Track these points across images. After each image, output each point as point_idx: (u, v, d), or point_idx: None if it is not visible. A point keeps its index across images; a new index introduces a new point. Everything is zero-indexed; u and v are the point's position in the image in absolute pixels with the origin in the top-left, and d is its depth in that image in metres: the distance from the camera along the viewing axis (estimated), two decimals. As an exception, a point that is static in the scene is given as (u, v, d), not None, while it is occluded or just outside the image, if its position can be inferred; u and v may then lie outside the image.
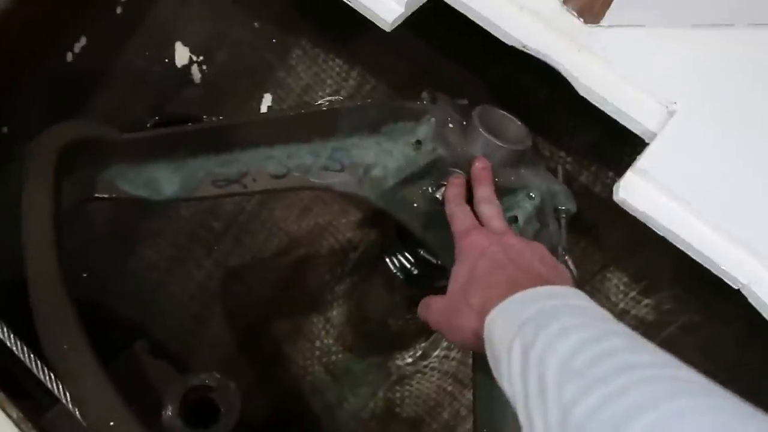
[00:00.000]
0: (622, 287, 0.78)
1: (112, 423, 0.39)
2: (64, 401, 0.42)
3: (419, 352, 0.84)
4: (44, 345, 0.44)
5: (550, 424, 0.32)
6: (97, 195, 0.58)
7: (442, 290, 0.80)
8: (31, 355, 0.43)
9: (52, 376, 0.42)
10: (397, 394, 0.84)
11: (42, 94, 0.86)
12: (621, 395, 0.31)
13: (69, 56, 0.89)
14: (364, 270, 0.85)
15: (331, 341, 0.86)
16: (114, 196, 0.59)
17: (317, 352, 0.86)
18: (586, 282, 0.80)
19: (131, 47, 0.89)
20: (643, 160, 0.57)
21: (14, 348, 0.43)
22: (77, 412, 0.41)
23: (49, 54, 0.86)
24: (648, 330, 0.76)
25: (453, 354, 0.83)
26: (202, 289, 0.88)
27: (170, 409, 0.41)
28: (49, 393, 0.42)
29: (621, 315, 0.78)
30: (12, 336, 0.43)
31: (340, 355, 0.86)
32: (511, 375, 0.37)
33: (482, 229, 0.54)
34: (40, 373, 0.42)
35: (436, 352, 0.84)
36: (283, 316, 0.87)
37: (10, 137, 0.86)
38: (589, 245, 0.81)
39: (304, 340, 0.87)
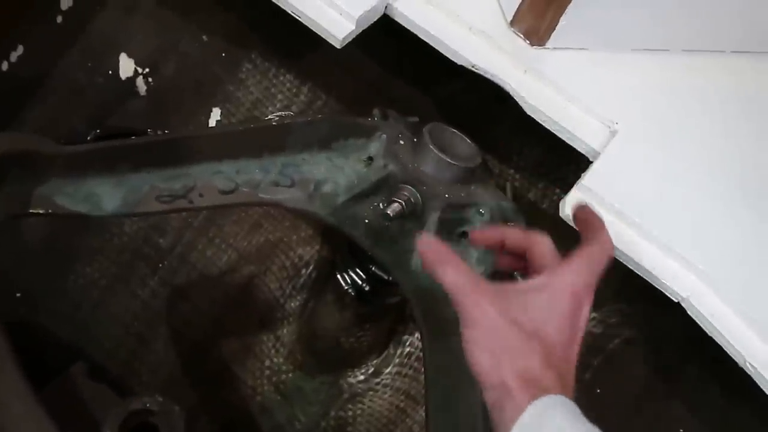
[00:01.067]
0: (568, 301, 0.80)
1: (43, 453, 0.37)
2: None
3: (371, 369, 0.83)
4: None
5: None
6: (32, 211, 0.56)
7: (393, 307, 0.80)
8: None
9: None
10: (350, 413, 0.82)
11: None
12: None
13: (4, 65, 0.85)
14: (316, 287, 0.84)
15: (281, 360, 0.85)
16: (51, 212, 0.56)
17: (267, 372, 0.84)
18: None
19: (72, 58, 0.86)
20: (587, 178, 0.58)
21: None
22: (5, 443, 0.39)
23: (-17, 62, 0.83)
24: (594, 343, 0.78)
25: (405, 371, 0.83)
26: (145, 308, 0.85)
27: (108, 435, 0.39)
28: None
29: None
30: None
31: (290, 374, 0.84)
32: None
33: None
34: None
35: (389, 369, 0.83)
36: (231, 335, 0.85)
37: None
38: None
39: (253, 360, 0.85)
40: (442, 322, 0.58)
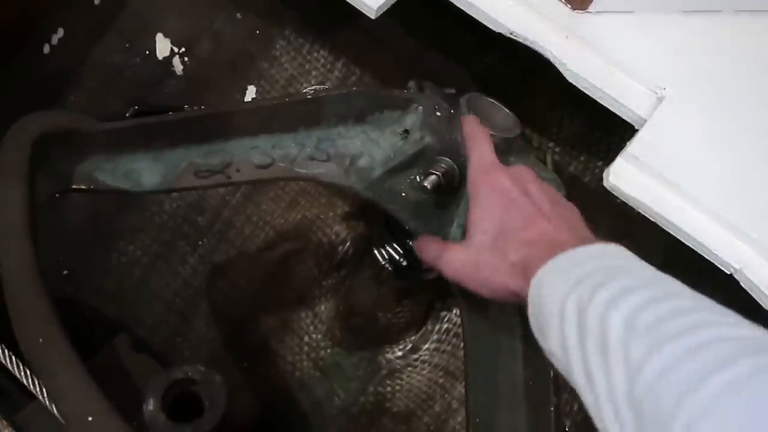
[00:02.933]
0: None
1: (90, 418, 0.38)
2: (40, 397, 0.40)
3: (409, 346, 0.83)
4: (20, 340, 0.42)
5: (614, 384, 0.31)
6: (74, 187, 0.56)
7: (431, 282, 0.80)
8: (5, 351, 0.41)
9: (28, 372, 0.41)
10: (388, 389, 0.83)
11: (18, 87, 0.84)
12: (695, 353, 0.30)
13: (46, 48, 0.87)
14: (353, 263, 0.84)
15: (319, 336, 0.85)
16: (92, 187, 0.57)
17: (305, 348, 0.85)
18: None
19: (110, 39, 0.88)
20: (633, 146, 0.56)
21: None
22: (54, 408, 0.40)
23: (27, 45, 0.84)
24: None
25: (444, 347, 0.82)
26: (186, 286, 0.86)
27: (152, 403, 0.40)
28: (24, 389, 0.41)
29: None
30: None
31: (328, 350, 0.85)
32: (564, 335, 0.36)
33: (503, 167, 0.52)
34: (15, 369, 0.40)
35: (427, 345, 0.83)
36: (270, 311, 0.86)
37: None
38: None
39: (291, 336, 0.85)
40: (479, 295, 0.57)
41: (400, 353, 0.83)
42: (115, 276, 0.86)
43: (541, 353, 0.50)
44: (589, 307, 0.35)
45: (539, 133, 0.82)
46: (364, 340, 0.84)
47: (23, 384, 0.41)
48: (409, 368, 0.82)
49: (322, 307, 0.85)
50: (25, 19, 0.83)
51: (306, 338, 0.85)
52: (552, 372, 0.50)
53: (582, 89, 0.61)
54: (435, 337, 0.83)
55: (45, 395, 0.40)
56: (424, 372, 0.82)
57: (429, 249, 0.53)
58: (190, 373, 0.40)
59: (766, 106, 0.61)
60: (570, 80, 0.61)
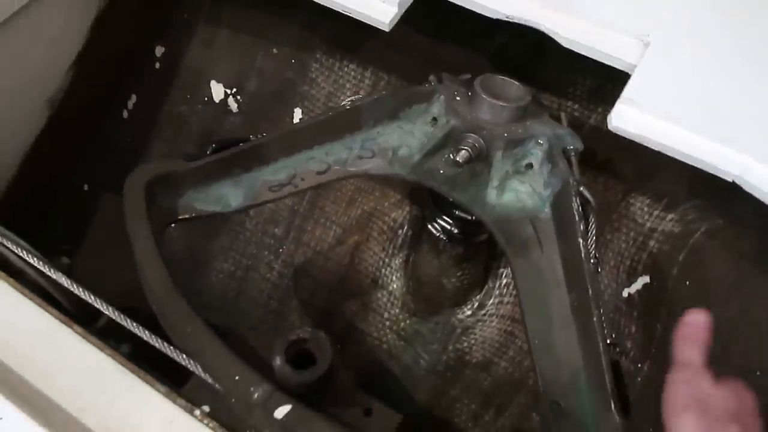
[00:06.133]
0: (646, 208, 0.86)
1: (237, 377, 0.50)
2: (197, 372, 0.54)
3: (476, 304, 0.94)
4: (170, 333, 0.56)
5: None
6: (180, 217, 0.70)
7: (483, 245, 0.89)
8: (164, 343, 0.55)
9: (184, 356, 0.54)
10: (465, 344, 0.93)
11: (108, 150, 1.00)
12: None
13: (125, 113, 1.02)
14: (412, 242, 0.95)
15: (396, 311, 0.97)
16: (194, 215, 0.71)
17: (387, 323, 0.97)
18: (613, 210, 0.87)
19: (174, 94, 1.03)
20: (628, 90, 0.65)
21: (154, 342, 0.55)
22: (209, 377, 0.53)
23: (110, 113, 1.00)
24: (676, 241, 0.83)
25: (506, 299, 0.92)
26: (276, 288, 1.00)
27: (278, 359, 0.52)
28: (183, 369, 0.54)
29: (650, 233, 0.85)
30: (151, 334, 0.55)
31: (407, 321, 0.96)
32: None
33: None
34: (174, 354, 0.54)
35: (491, 300, 0.93)
36: (350, 297, 0.98)
37: (91, 192, 1.01)
38: (609, 178, 0.88)
39: (373, 315, 0.97)
40: (520, 241, 0.67)
41: (469, 312, 0.94)
42: (217, 291, 1.01)
43: (579, 277, 0.59)
44: None
45: (558, 96, 0.91)
46: (436, 306, 0.95)
47: (182, 365, 0.55)
48: (480, 323, 0.92)
49: (395, 285, 0.97)
50: (106, 94, 0.99)
51: (386, 314, 0.97)
52: (591, 289, 0.59)
53: (578, 52, 0.70)
54: (497, 292, 0.93)
55: (200, 370, 0.53)
56: (494, 324, 0.92)
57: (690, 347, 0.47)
58: (301, 334, 0.52)
59: (742, 31, 0.68)
60: (566, 46, 0.71)
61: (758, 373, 0.74)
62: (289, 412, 0.49)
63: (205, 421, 0.53)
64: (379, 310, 0.97)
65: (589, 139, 0.86)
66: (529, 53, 0.88)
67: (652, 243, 0.85)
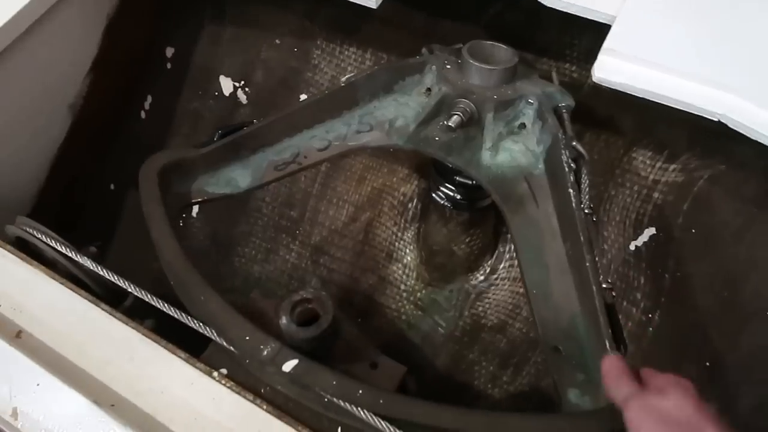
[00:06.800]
0: (648, 161, 0.87)
1: (247, 337, 0.54)
2: (213, 337, 0.58)
3: (488, 269, 0.96)
4: (186, 302, 0.60)
5: None
6: (193, 201, 0.75)
7: (488, 210, 0.91)
8: (182, 314, 0.59)
9: (201, 324, 0.58)
10: (480, 309, 0.95)
11: (130, 149, 1.06)
12: None
13: (143, 114, 1.08)
14: (422, 214, 0.98)
15: (412, 282, 1.00)
16: (206, 198, 0.75)
17: (404, 294, 1.00)
18: (616, 166, 0.88)
19: (186, 91, 1.08)
20: (609, 41, 0.66)
21: (173, 313, 0.59)
22: (223, 341, 0.57)
23: (130, 114, 1.06)
24: (680, 191, 0.84)
25: (516, 262, 0.94)
26: (296, 268, 1.04)
27: (284, 318, 0.56)
28: (202, 336, 0.59)
29: (653, 185, 0.86)
30: (171, 307, 0.60)
31: (423, 291, 0.99)
32: None
33: (648, 404, 0.47)
34: (192, 323, 0.58)
35: (502, 264, 0.95)
36: (367, 272, 1.02)
37: (117, 191, 1.07)
38: (610, 135, 0.89)
39: (390, 287, 1.01)
40: (516, 198, 0.69)
41: (482, 277, 0.96)
42: (241, 275, 1.06)
43: (572, 227, 0.61)
44: None
45: (556, 59, 0.92)
46: (449, 274, 0.97)
47: (200, 333, 0.59)
48: (493, 287, 0.95)
49: (409, 258, 1.00)
50: (123, 96, 1.05)
51: (402, 286, 1.00)
52: (582, 237, 0.61)
53: (561, 9, 0.72)
54: (507, 255, 0.95)
55: (215, 335, 0.58)
56: (506, 287, 0.94)
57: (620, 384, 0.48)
58: (304, 294, 0.56)
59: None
60: (548, 5, 0.72)
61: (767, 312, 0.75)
62: (296, 365, 0.53)
63: (223, 382, 0.57)
64: (396, 282, 1.00)
65: (589, 97, 0.87)
66: (524, 19, 0.90)
67: (656, 195, 0.85)
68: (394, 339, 0.99)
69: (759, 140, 0.60)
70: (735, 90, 0.61)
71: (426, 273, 0.98)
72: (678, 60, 0.63)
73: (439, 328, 0.97)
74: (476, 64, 0.71)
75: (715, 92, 0.61)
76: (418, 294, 0.99)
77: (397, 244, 1.00)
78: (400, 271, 1.00)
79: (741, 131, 0.61)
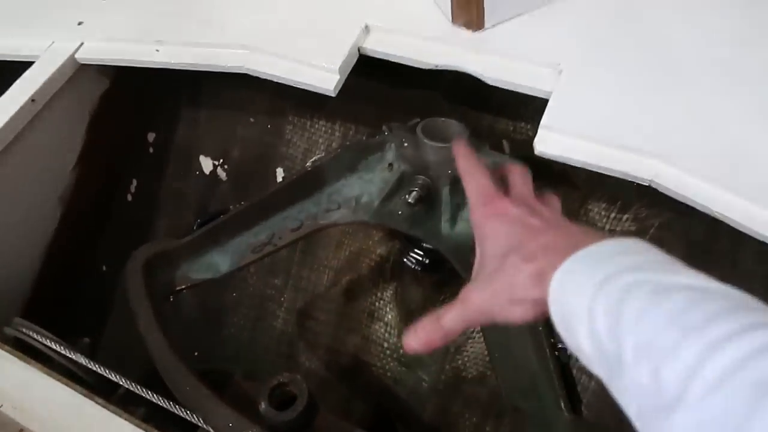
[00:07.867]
0: (603, 212, 0.92)
1: (231, 424, 0.59)
2: (200, 424, 0.62)
3: (464, 323, 1.00)
4: (175, 391, 0.65)
5: (663, 378, 0.30)
6: (177, 288, 0.80)
7: (455, 270, 0.96)
8: (170, 402, 0.64)
9: (188, 411, 0.63)
10: (459, 362, 1.00)
11: (118, 232, 1.11)
12: (760, 354, 0.28)
13: (129, 197, 1.14)
14: (398, 274, 1.03)
15: (395, 339, 1.04)
16: (190, 285, 0.81)
17: (387, 352, 1.04)
18: (575, 217, 0.94)
19: (168, 172, 1.14)
20: (546, 117, 0.72)
21: (163, 404, 0.64)
22: (209, 428, 0.61)
23: (115, 198, 1.12)
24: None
25: (490, 315, 0.99)
26: (283, 334, 1.09)
27: (263, 404, 0.61)
28: (188, 423, 0.63)
29: (610, 235, 0.91)
30: (160, 398, 0.64)
31: (405, 348, 1.03)
32: (594, 333, 0.36)
33: (501, 194, 0.50)
34: (179, 411, 0.63)
35: (476, 318, 1.00)
36: (351, 333, 1.06)
37: (109, 271, 1.12)
38: (567, 188, 0.95)
39: (374, 346, 1.05)
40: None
41: (459, 331, 1.00)
42: (232, 343, 1.10)
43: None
44: (624, 307, 0.34)
45: (512, 120, 0.98)
46: (428, 330, 1.02)
47: (187, 419, 0.63)
48: (470, 340, 0.99)
49: (389, 316, 1.05)
50: (109, 183, 1.11)
51: (385, 344, 1.05)
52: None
53: (504, 87, 0.78)
54: (481, 309, 0.99)
55: (201, 422, 0.62)
56: (481, 339, 0.99)
57: (447, 315, 0.50)
58: (281, 379, 0.61)
59: (640, 48, 0.75)
60: (491, 84, 0.79)
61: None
62: (276, 449, 0.58)
63: (212, 466, 0.62)
64: (379, 341, 1.05)
65: (540, 166, 0.93)
66: (473, 90, 0.96)
67: (613, 244, 0.91)
68: (383, 395, 1.03)
69: (686, 202, 0.66)
70: (660, 156, 0.67)
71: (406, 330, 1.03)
72: (609, 131, 0.69)
73: (423, 383, 1.01)
74: (429, 142, 0.77)
75: (644, 159, 0.67)
76: (401, 351, 1.03)
77: (377, 303, 1.05)
78: (383, 330, 1.05)
79: (669, 194, 0.67)
